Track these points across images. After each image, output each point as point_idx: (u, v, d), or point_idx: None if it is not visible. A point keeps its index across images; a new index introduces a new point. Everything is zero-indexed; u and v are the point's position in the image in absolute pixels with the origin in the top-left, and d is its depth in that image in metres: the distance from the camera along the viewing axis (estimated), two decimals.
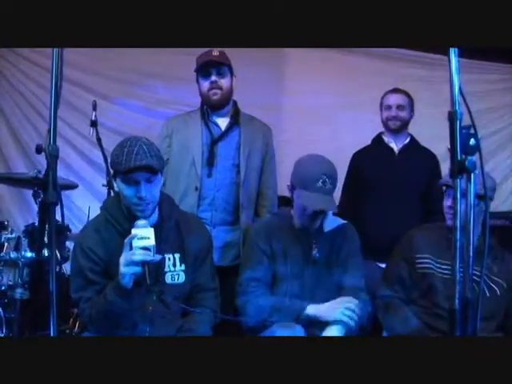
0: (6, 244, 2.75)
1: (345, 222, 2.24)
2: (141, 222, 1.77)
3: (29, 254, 2.66)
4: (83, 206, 3.67)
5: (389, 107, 2.84)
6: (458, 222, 0.99)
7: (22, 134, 3.94)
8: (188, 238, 1.96)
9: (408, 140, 2.88)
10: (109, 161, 1.93)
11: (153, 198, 1.85)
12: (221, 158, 2.47)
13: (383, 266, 2.49)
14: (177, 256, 1.93)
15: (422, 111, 3.68)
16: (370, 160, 2.85)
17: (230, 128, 2.51)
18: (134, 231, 1.73)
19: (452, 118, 1.03)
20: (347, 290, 2.12)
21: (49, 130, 1.19)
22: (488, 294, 2.13)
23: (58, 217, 1.27)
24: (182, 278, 1.93)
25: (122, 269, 1.70)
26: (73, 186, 3.01)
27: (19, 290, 2.61)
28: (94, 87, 3.88)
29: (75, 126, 3.87)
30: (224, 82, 2.46)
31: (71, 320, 2.93)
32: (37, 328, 2.54)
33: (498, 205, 3.80)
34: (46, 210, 1.18)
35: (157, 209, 1.94)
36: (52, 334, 1.17)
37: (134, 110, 4.03)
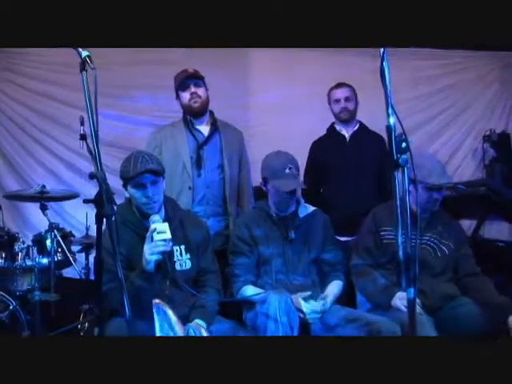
0: (19, 254, 3.07)
1: (315, 208, 2.68)
2: (156, 218, 2.17)
3: (44, 261, 3.00)
4: (75, 213, 4.07)
5: (337, 101, 3.20)
6: (398, 202, 1.42)
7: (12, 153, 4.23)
8: (190, 232, 2.38)
9: (357, 126, 3.27)
10: (119, 174, 2.30)
11: (158, 197, 2.25)
12: (207, 160, 2.89)
13: (342, 238, 2.96)
14: (182, 247, 2.34)
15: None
16: (325, 147, 3.24)
17: (212, 133, 2.93)
18: (152, 226, 2.12)
19: (388, 130, 1.46)
20: (328, 265, 2.60)
21: (93, 158, 1.55)
22: (439, 255, 2.59)
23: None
24: (188, 264, 2.34)
25: (147, 257, 2.10)
26: (75, 196, 3.33)
27: (37, 293, 2.93)
28: (78, 103, 4.18)
29: (61, 140, 4.20)
30: (201, 92, 2.90)
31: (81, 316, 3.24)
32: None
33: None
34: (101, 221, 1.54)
35: (163, 210, 2.33)
36: None
37: (113, 119, 4.33)
